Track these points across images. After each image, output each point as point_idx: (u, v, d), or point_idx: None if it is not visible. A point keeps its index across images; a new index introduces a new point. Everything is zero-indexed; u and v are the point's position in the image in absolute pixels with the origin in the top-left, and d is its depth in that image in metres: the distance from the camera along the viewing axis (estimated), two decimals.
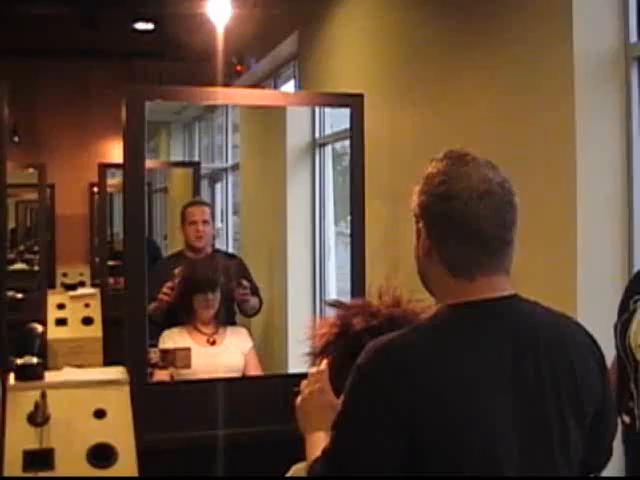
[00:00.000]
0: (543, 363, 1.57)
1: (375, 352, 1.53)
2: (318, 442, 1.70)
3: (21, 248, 11.41)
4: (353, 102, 3.73)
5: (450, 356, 1.52)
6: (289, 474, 1.93)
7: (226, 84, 8.11)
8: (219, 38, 6.24)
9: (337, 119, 6.43)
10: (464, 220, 1.57)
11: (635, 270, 2.87)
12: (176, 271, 4.30)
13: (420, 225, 1.65)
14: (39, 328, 6.26)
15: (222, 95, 4.05)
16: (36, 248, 9.63)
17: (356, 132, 3.73)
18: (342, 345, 1.84)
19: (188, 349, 3.81)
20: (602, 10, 3.31)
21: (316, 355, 1.88)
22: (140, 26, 8.58)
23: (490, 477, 1.49)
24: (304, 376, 1.90)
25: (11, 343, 3.92)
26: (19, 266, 9.74)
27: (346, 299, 2.06)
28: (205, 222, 4.68)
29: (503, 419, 1.51)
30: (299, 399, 1.86)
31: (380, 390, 1.49)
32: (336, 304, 1.98)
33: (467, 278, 1.59)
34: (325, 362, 1.84)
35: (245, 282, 4.42)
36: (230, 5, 6.08)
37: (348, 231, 3.82)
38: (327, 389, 1.81)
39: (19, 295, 7.41)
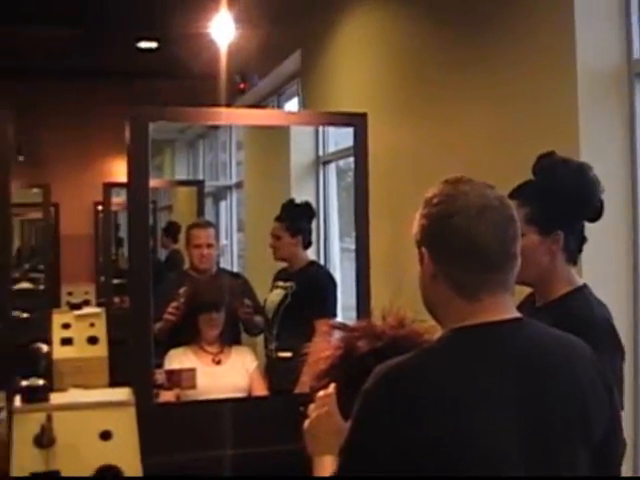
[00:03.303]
0: (549, 386, 1.56)
1: (381, 378, 1.53)
2: (326, 466, 1.70)
3: (26, 267, 11.41)
4: (357, 121, 3.73)
5: (455, 382, 1.51)
6: None
7: (229, 102, 8.13)
8: (222, 57, 6.25)
9: (341, 136, 6.44)
10: (466, 236, 1.57)
11: None
12: (181, 291, 4.30)
13: (423, 250, 1.65)
14: (44, 348, 6.24)
15: (224, 115, 4.06)
16: (41, 267, 9.64)
17: (359, 151, 3.72)
18: (346, 368, 1.83)
19: (193, 369, 3.80)
20: (605, 26, 3.31)
21: (320, 377, 1.87)
22: (143, 45, 8.60)
23: None
24: (310, 395, 1.89)
25: (16, 363, 3.91)
26: (24, 285, 9.73)
27: (352, 317, 2.07)
28: (210, 246, 4.69)
29: (509, 445, 1.49)
30: (307, 423, 1.85)
31: (386, 417, 1.49)
32: (340, 326, 1.97)
33: (473, 298, 1.58)
34: (333, 385, 1.83)
35: (247, 301, 4.41)
36: (233, 24, 6.09)
37: (353, 247, 3.82)
38: (334, 412, 1.79)
39: (24, 315, 7.40)
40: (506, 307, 1.61)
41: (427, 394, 1.50)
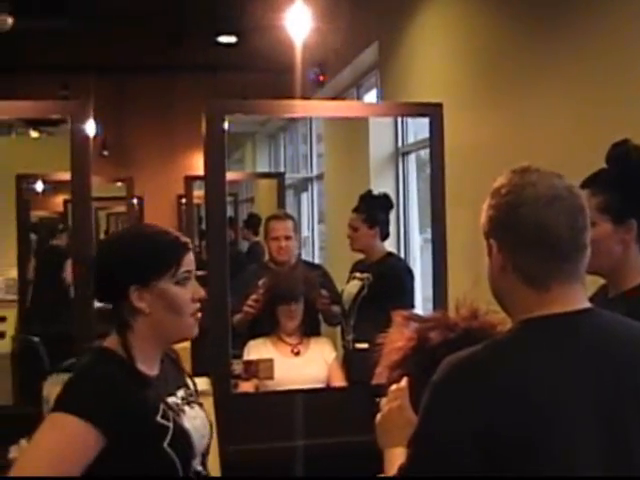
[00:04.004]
0: (624, 378, 1.53)
1: (450, 369, 1.52)
2: (396, 458, 1.70)
3: None
4: (432, 111, 3.72)
5: (527, 374, 1.49)
6: None
7: (309, 95, 8.16)
8: (300, 50, 6.28)
9: (420, 127, 6.41)
10: (535, 226, 1.55)
11: None
12: (260, 283, 4.33)
13: (491, 241, 1.63)
14: None
15: (300, 107, 4.07)
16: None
17: (435, 141, 3.71)
18: (419, 359, 1.83)
19: (271, 360, 3.82)
20: None
21: (392, 369, 1.87)
22: (223, 39, 8.68)
23: None
24: (386, 387, 1.89)
25: None
26: None
27: (428, 309, 2.06)
28: (287, 238, 4.68)
29: (585, 437, 1.48)
30: (379, 416, 1.85)
31: (456, 407, 1.48)
32: (414, 317, 1.96)
33: (543, 288, 1.57)
34: (405, 379, 1.83)
35: (324, 292, 4.41)
36: (310, 17, 6.11)
37: None
38: (406, 406, 1.79)
39: (110, 306, 7.55)
40: (576, 297, 1.59)
41: (496, 386, 1.48)
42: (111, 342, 2.07)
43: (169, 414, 2.00)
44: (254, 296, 4.30)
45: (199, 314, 2.11)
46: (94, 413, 1.89)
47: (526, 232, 1.57)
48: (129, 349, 2.02)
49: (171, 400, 2.09)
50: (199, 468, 2.10)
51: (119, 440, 1.91)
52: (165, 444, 1.95)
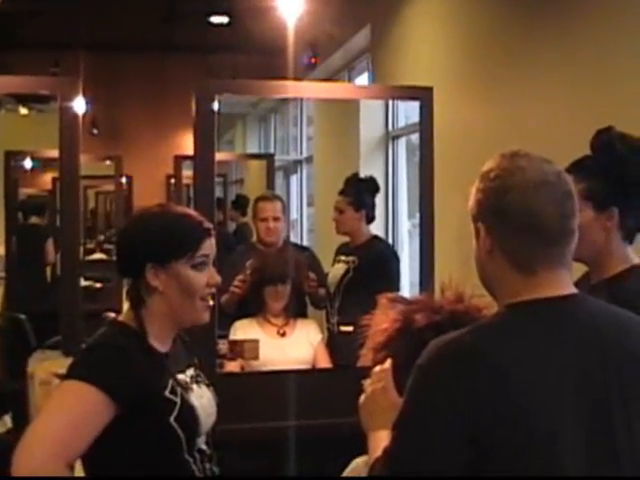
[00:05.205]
0: (608, 363, 1.55)
1: (436, 352, 1.53)
2: (380, 441, 1.69)
3: (100, 238, 11.65)
4: (422, 95, 3.71)
5: (512, 357, 1.50)
6: (349, 468, 1.93)
7: (301, 77, 8.14)
8: (292, 32, 6.26)
9: (411, 111, 6.41)
10: (523, 211, 1.56)
11: None
12: (248, 264, 4.33)
13: (479, 225, 1.64)
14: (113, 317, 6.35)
15: (291, 88, 4.06)
16: (115, 238, 9.80)
17: (425, 125, 3.71)
18: (404, 341, 1.83)
19: (256, 341, 3.83)
20: None
21: (377, 350, 1.88)
22: (215, 20, 8.65)
23: (553, 477, 1.48)
24: (372, 369, 1.89)
25: (88, 333, 4.00)
26: (98, 256, 9.94)
27: (415, 293, 2.07)
28: (276, 219, 4.65)
29: (568, 421, 1.49)
30: (362, 398, 1.85)
31: (441, 389, 1.49)
32: (399, 300, 1.97)
33: (530, 273, 1.57)
34: (389, 361, 1.83)
35: (312, 275, 4.41)
36: None
37: None
38: (390, 388, 1.79)
39: (97, 285, 7.56)
40: (562, 283, 1.60)
41: (481, 369, 1.49)
42: (126, 316, 2.12)
43: (177, 390, 2.03)
44: (241, 276, 4.30)
45: (211, 301, 2.16)
46: (110, 383, 1.92)
47: (514, 216, 1.57)
48: (142, 324, 2.07)
49: (180, 377, 2.11)
50: (203, 447, 2.12)
51: (129, 411, 1.94)
52: (172, 419, 1.98)
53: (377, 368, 1.83)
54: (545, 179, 1.58)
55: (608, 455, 1.52)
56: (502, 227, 1.59)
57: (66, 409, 1.91)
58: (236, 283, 4.29)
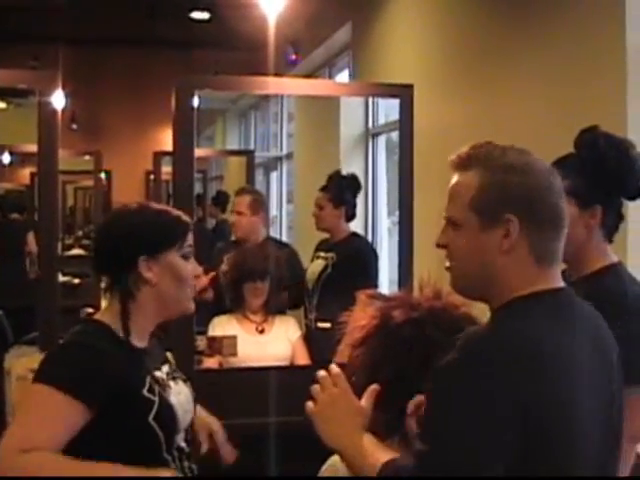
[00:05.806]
0: (597, 347, 1.61)
1: (479, 344, 1.50)
2: (367, 450, 1.61)
3: (79, 234, 11.59)
4: (402, 93, 3.72)
5: (553, 344, 1.51)
6: (326, 464, 1.92)
7: (282, 74, 8.14)
8: (273, 28, 6.25)
9: (391, 109, 6.42)
10: (549, 204, 1.59)
11: None
12: (225, 258, 4.32)
13: (508, 216, 1.58)
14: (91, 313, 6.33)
15: (270, 85, 4.05)
16: (94, 235, 9.75)
17: (405, 122, 3.72)
18: (382, 337, 1.83)
19: (235, 337, 3.83)
20: None
21: (355, 347, 1.87)
22: (196, 15, 8.63)
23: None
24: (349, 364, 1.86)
25: (65, 328, 3.98)
26: (76, 252, 9.89)
27: (394, 291, 2.07)
28: (239, 213, 4.62)
29: (593, 403, 1.55)
30: (317, 406, 1.71)
31: (489, 381, 1.44)
32: (378, 296, 1.97)
33: (546, 265, 1.60)
34: (333, 366, 1.74)
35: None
36: None
37: None
38: (350, 391, 1.72)
39: (75, 280, 7.52)
40: (559, 276, 1.64)
41: (530, 354, 1.47)
42: (103, 314, 2.12)
43: (155, 388, 2.02)
44: (212, 274, 4.29)
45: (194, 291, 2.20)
46: (76, 386, 1.90)
47: (546, 211, 1.59)
48: (126, 320, 2.07)
49: (157, 374, 2.10)
50: (182, 444, 2.12)
51: (104, 412, 1.92)
52: (150, 418, 1.97)
53: (322, 373, 1.74)
54: (552, 175, 1.61)
55: (611, 431, 1.61)
56: (533, 220, 1.58)
57: (33, 412, 1.90)
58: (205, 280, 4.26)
